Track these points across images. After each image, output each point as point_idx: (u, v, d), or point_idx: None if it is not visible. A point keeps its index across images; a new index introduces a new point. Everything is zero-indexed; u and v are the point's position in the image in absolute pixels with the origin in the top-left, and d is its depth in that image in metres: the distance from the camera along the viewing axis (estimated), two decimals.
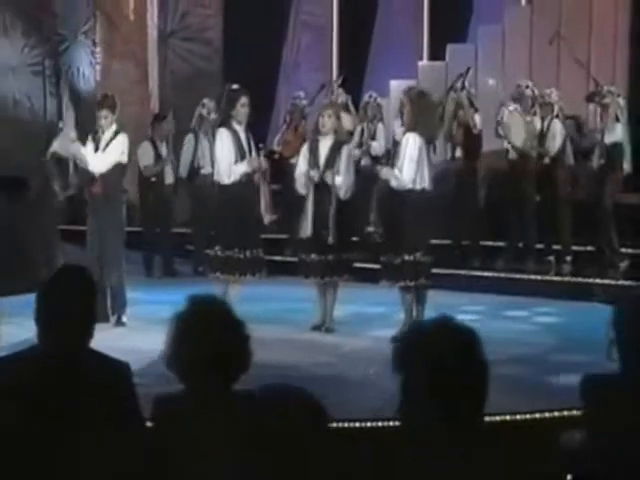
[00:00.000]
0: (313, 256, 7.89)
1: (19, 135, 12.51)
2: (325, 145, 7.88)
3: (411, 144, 7.51)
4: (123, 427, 3.12)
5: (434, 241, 10.49)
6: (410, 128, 7.64)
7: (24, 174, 10.82)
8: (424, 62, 12.73)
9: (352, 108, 10.68)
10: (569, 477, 2.89)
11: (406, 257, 7.58)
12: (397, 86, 11.70)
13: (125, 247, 9.79)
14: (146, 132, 11.29)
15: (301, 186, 7.93)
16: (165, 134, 11.15)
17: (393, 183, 7.61)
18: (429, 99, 7.99)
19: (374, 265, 8.32)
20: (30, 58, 13.30)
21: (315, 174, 7.81)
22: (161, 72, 13.94)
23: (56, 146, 9.60)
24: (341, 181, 7.79)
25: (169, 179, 11.07)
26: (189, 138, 10.76)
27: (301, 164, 8.01)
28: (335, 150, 7.86)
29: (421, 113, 7.69)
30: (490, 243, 10.59)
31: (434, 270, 9.74)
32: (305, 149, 8.06)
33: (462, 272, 10.06)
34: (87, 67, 13.70)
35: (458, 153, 10.46)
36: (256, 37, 12.77)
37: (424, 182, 7.58)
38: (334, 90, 10.79)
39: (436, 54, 12.73)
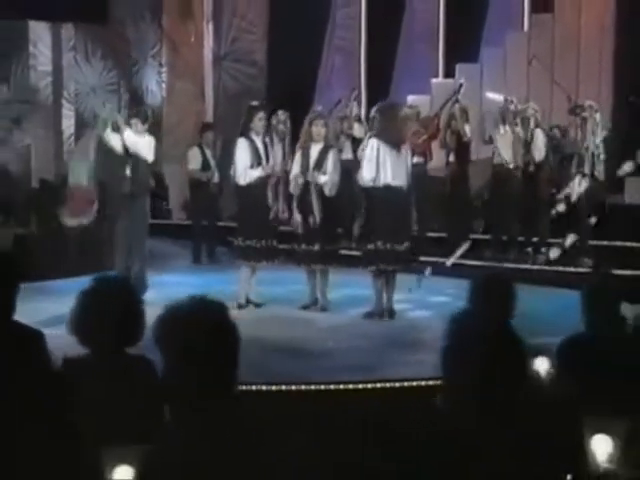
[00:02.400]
0: (303, 246, 8.32)
1: (99, 145, 13.72)
2: (316, 149, 8.29)
3: (370, 147, 8.02)
4: (36, 385, 3.14)
5: (432, 234, 11.49)
6: (375, 134, 8.15)
7: (104, 178, 11.43)
8: (437, 80, 13.30)
9: (364, 119, 11.20)
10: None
11: (373, 246, 7.99)
12: (414, 100, 12.40)
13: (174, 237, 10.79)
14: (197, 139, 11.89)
15: (294, 187, 8.33)
16: (211, 141, 11.80)
17: (359, 181, 8.18)
18: (395, 111, 8.52)
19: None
20: (108, 79, 14.30)
21: (301, 178, 8.21)
22: (215, 89, 14.62)
23: None
24: (328, 180, 8.22)
25: (215, 179, 11.58)
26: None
27: (294, 168, 8.35)
28: (324, 154, 8.28)
29: (388, 122, 8.15)
30: (480, 236, 11.15)
31: (431, 259, 10.64)
32: (298, 155, 8.41)
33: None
34: (155, 85, 14.55)
35: (451, 158, 10.99)
36: (296, 59, 13.28)
37: (387, 179, 7.93)
38: (349, 104, 11.24)
39: (449, 73, 13.32)
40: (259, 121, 8.38)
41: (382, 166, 7.96)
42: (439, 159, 11.22)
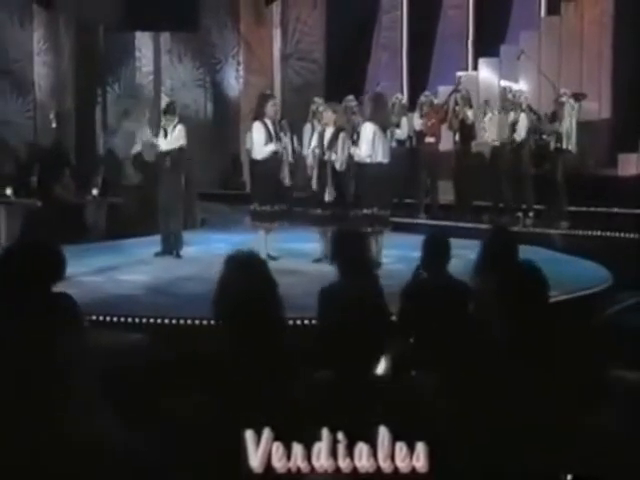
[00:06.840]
0: (318, 211, 9.09)
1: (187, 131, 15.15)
2: (329, 132, 9.08)
3: (367, 130, 8.83)
4: None
5: (443, 202, 12.76)
6: (368, 118, 9.02)
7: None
8: (460, 73, 14.03)
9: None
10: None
11: (365, 211, 8.95)
12: (443, 90, 13.46)
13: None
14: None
15: (310, 160, 9.15)
16: None
17: (355, 158, 9.00)
18: (383, 99, 9.51)
19: None
20: (196, 75, 15.60)
21: (317, 152, 9.09)
22: (283, 83, 15.72)
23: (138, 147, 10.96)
24: (337, 157, 8.98)
25: None
26: (307, 127, 11.14)
27: (312, 144, 9.19)
28: (335, 136, 9.05)
29: (377, 109, 9.05)
30: (480, 203, 12.17)
31: (437, 223, 11.50)
32: (316, 135, 9.22)
33: (458, 224, 11.27)
34: (234, 80, 15.77)
35: (457, 138, 12.06)
36: (349, 56, 14.47)
37: (379, 157, 8.80)
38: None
39: (477, 67, 14.35)
40: (271, 107, 9.24)
41: (376, 146, 8.80)
42: (447, 139, 12.40)
